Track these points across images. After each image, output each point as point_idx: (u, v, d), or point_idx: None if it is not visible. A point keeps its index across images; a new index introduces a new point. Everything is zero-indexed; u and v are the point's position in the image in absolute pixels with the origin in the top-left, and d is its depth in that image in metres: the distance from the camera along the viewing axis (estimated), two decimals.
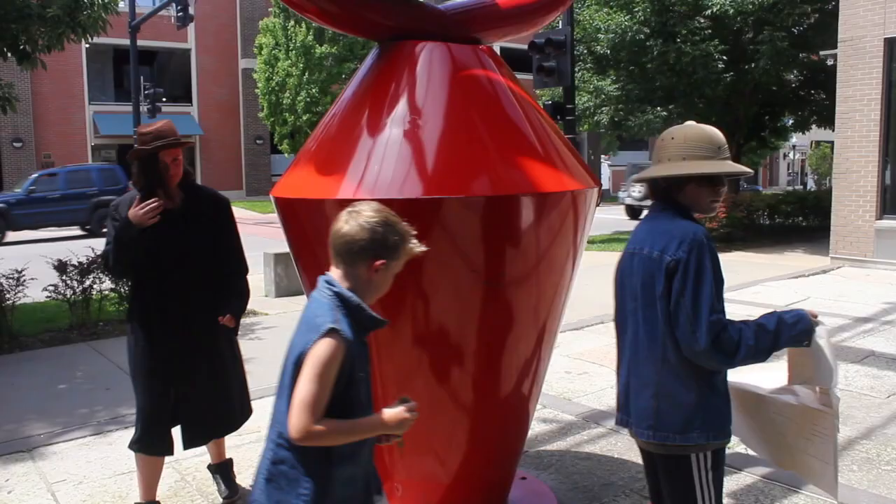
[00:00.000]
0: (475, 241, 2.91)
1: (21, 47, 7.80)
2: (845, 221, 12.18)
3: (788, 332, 2.33)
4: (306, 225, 3.08)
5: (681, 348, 2.31)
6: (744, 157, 18.87)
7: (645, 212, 2.35)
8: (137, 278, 3.55)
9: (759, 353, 2.30)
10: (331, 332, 1.98)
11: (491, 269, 2.96)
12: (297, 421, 1.95)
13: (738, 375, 2.59)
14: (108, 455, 4.56)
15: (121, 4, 9.11)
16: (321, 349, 1.97)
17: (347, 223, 2.07)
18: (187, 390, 3.53)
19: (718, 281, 2.32)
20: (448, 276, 2.91)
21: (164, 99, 24.89)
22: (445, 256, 2.87)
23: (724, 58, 15.19)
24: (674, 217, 2.42)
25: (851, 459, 4.29)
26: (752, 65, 15.36)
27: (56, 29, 7.56)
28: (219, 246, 3.60)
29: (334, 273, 2.12)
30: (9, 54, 7.88)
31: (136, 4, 22.35)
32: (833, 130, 12.55)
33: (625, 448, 4.47)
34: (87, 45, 25.83)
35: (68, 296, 7.94)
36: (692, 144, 2.41)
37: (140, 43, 23.00)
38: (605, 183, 36.29)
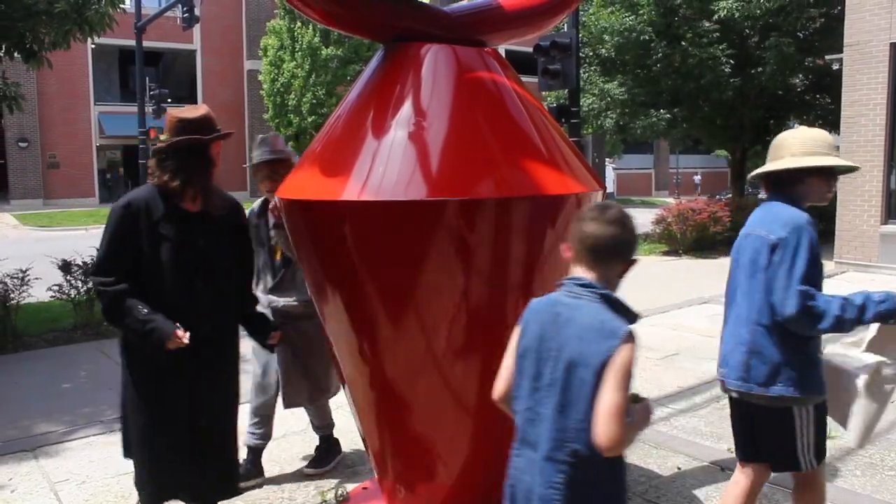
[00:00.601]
0: (479, 243, 2.90)
1: (27, 46, 7.82)
2: (850, 226, 12.15)
3: (874, 308, 2.65)
4: (311, 226, 3.08)
5: (775, 313, 2.70)
6: (749, 162, 18.83)
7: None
8: (145, 291, 2.94)
9: (845, 324, 2.65)
10: (630, 336, 1.96)
11: (495, 271, 2.95)
12: (611, 431, 1.89)
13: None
14: (112, 455, 4.56)
15: (127, 4, 9.13)
16: (627, 355, 1.93)
17: (606, 224, 2.04)
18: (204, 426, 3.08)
19: (814, 262, 2.72)
20: (451, 277, 2.91)
21: (169, 100, 24.88)
22: (449, 258, 2.87)
23: (732, 62, 15.17)
24: (785, 205, 2.86)
25: (855, 464, 4.28)
26: (759, 69, 15.34)
27: (63, 26, 7.57)
28: (239, 256, 3.24)
29: (586, 274, 2.08)
30: (15, 53, 7.90)
31: (141, 5, 22.39)
32: (838, 135, 12.52)
33: (627, 451, 4.46)
34: (93, 46, 25.96)
35: (72, 296, 7.97)
36: (814, 143, 2.85)
37: (145, 44, 23.02)
38: (610, 186, 36.24)
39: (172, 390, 3.00)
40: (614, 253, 2.06)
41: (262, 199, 4.13)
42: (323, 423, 4.34)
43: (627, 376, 1.93)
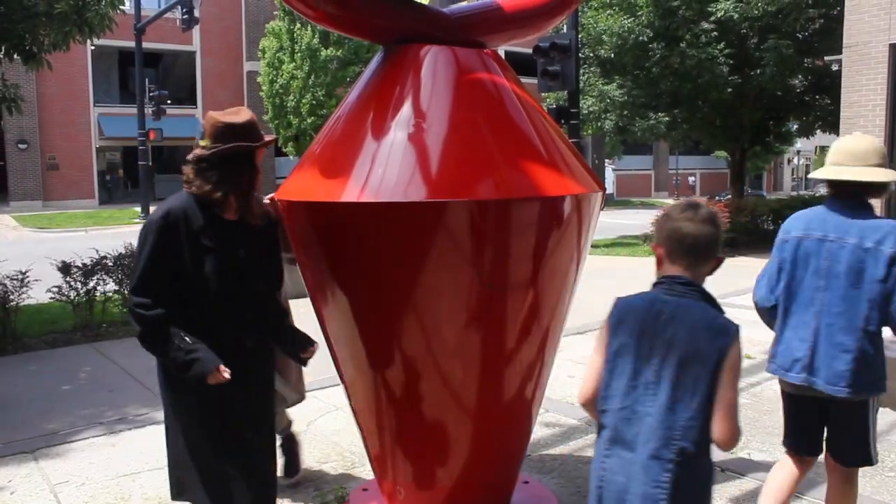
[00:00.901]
0: (479, 245, 2.90)
1: (27, 47, 7.82)
2: None
3: None
4: (310, 228, 3.08)
5: (888, 322, 2.86)
6: (748, 162, 18.86)
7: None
8: (186, 306, 2.74)
9: None
10: (739, 333, 2.02)
11: (494, 273, 2.95)
12: (732, 427, 1.98)
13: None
14: (111, 456, 4.56)
15: (126, 5, 9.14)
16: (739, 352, 2.01)
17: (702, 223, 2.09)
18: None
19: None
20: (451, 279, 2.91)
21: (168, 101, 24.93)
22: (449, 260, 2.87)
23: (731, 61, 15.18)
24: (870, 213, 2.96)
25: None
26: (758, 71, 15.35)
27: (63, 27, 7.57)
28: (273, 265, 3.05)
29: (684, 273, 2.12)
30: (14, 55, 7.90)
31: (141, 6, 22.41)
32: (838, 135, 12.53)
33: None
34: (93, 47, 25.98)
35: (72, 297, 7.96)
36: (882, 154, 2.97)
37: (145, 45, 23.06)
38: (610, 187, 36.27)
39: (223, 408, 2.82)
40: (711, 251, 2.12)
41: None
42: (280, 428, 3.93)
43: (739, 373, 2.00)
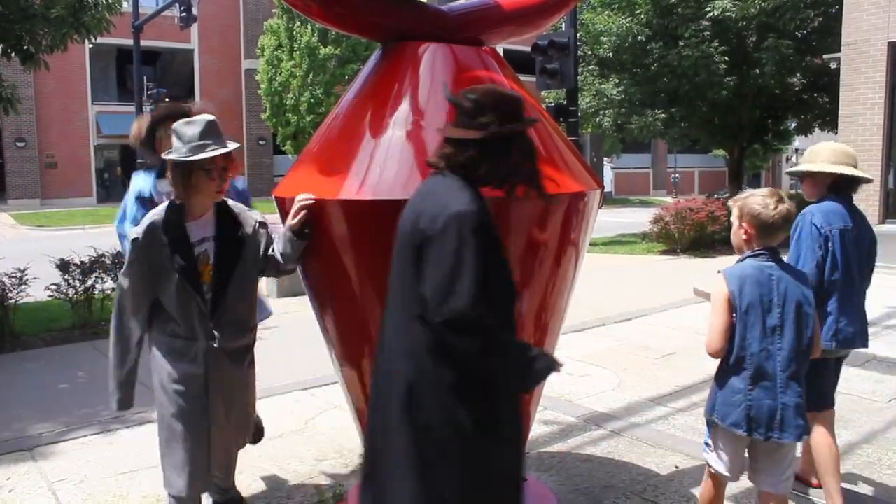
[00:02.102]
0: None
1: (24, 48, 7.82)
2: None
3: None
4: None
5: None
6: (746, 161, 18.86)
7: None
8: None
9: None
10: None
11: None
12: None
13: None
14: (109, 454, 4.56)
15: (124, 4, 9.13)
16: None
17: (780, 205, 2.87)
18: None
19: None
20: None
21: (166, 99, 24.84)
22: None
23: (726, 59, 15.17)
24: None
25: (853, 464, 4.28)
26: (756, 70, 15.35)
27: (60, 29, 7.58)
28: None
29: (769, 245, 2.90)
30: (12, 55, 7.90)
31: (139, 4, 22.37)
32: (836, 133, 12.53)
33: (626, 450, 4.46)
34: (91, 46, 25.92)
35: (70, 295, 7.96)
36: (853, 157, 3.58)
37: (143, 43, 23.01)
38: (608, 185, 36.26)
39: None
40: (786, 229, 2.95)
41: (169, 205, 3.06)
42: (228, 485, 3.59)
43: None
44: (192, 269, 2.99)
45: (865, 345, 3.62)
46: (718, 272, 2.94)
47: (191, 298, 3.00)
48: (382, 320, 2.48)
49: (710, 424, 3.00)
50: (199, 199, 3.02)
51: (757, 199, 2.88)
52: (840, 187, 3.54)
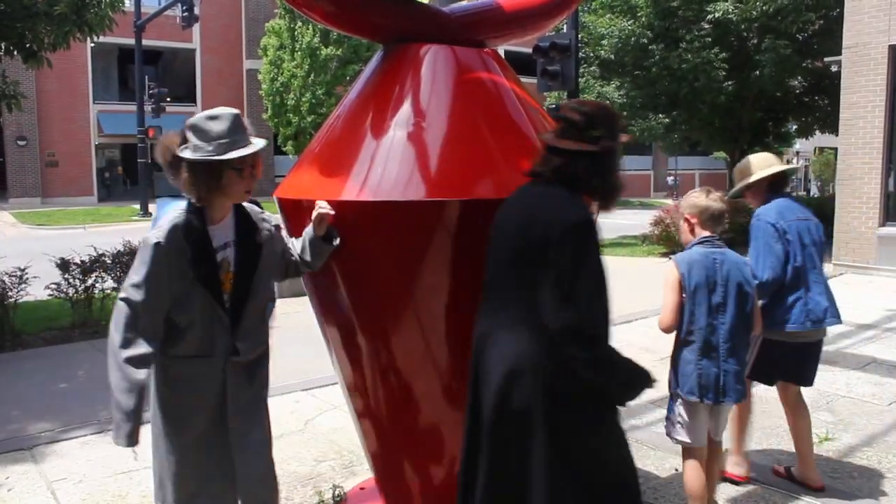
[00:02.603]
0: (478, 244, 2.90)
1: (27, 46, 7.82)
2: (848, 228, 12.16)
3: None
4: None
5: None
6: None
7: None
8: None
9: None
10: None
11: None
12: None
13: None
14: (109, 454, 4.56)
15: (126, 3, 9.13)
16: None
17: (717, 200, 3.35)
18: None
19: None
20: (451, 278, 2.91)
21: (168, 99, 24.96)
22: (448, 259, 2.87)
23: (725, 65, 15.18)
24: None
25: (852, 466, 4.28)
26: (757, 73, 15.35)
27: (62, 27, 7.57)
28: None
29: (712, 233, 3.33)
30: (14, 53, 7.89)
31: (141, 4, 22.41)
32: (837, 136, 12.53)
33: None
34: (93, 45, 25.92)
35: (70, 294, 7.96)
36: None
37: (145, 42, 23.06)
38: None
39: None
40: (722, 217, 3.33)
41: (187, 206, 2.72)
42: None
43: None
44: (215, 277, 2.70)
45: (838, 319, 3.90)
46: (670, 258, 3.42)
47: (213, 310, 2.68)
48: (481, 323, 2.52)
49: (673, 398, 3.35)
50: (221, 202, 2.72)
51: (694, 193, 3.43)
52: (777, 186, 3.97)
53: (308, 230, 2.90)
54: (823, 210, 17.14)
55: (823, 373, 6.14)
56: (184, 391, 2.72)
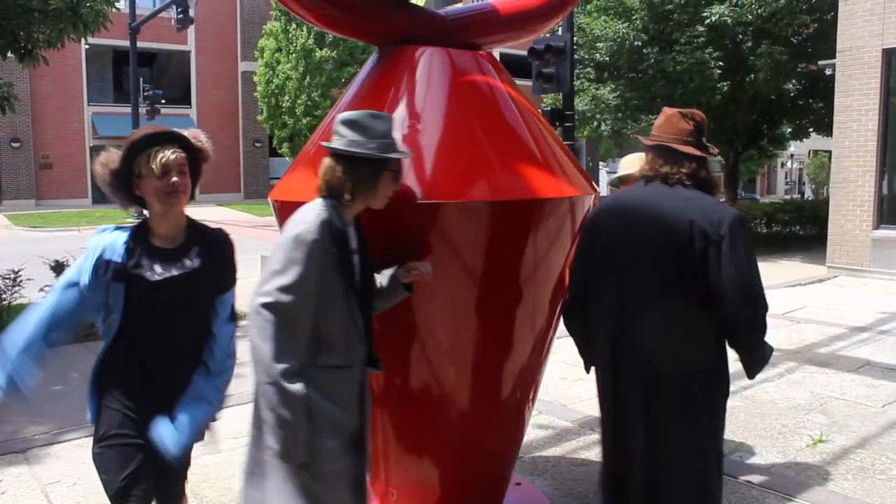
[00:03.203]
0: (473, 247, 2.91)
1: (22, 44, 7.79)
2: (842, 231, 12.21)
3: None
4: None
5: None
6: (742, 166, 18.88)
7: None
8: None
9: None
10: None
11: (488, 275, 2.96)
12: None
13: None
14: None
15: (121, 3, 9.11)
16: None
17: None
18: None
19: None
20: (445, 280, 2.91)
21: (163, 101, 24.88)
22: (443, 261, 2.87)
23: (721, 64, 15.22)
24: None
25: (846, 468, 4.29)
26: (751, 76, 15.39)
27: (57, 24, 7.54)
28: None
29: None
30: (9, 52, 7.87)
31: (136, 6, 22.36)
32: (831, 139, 12.57)
33: None
34: (87, 46, 25.90)
35: None
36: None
37: (140, 44, 22.99)
38: (604, 190, 36.24)
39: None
40: None
41: (323, 202, 2.52)
42: None
43: None
44: (355, 280, 2.52)
45: None
46: None
47: (352, 317, 2.49)
48: (630, 313, 2.78)
49: None
50: (361, 205, 2.56)
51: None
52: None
53: (392, 273, 2.72)
54: (818, 212, 17.29)
55: (818, 375, 6.17)
56: (333, 403, 2.45)
